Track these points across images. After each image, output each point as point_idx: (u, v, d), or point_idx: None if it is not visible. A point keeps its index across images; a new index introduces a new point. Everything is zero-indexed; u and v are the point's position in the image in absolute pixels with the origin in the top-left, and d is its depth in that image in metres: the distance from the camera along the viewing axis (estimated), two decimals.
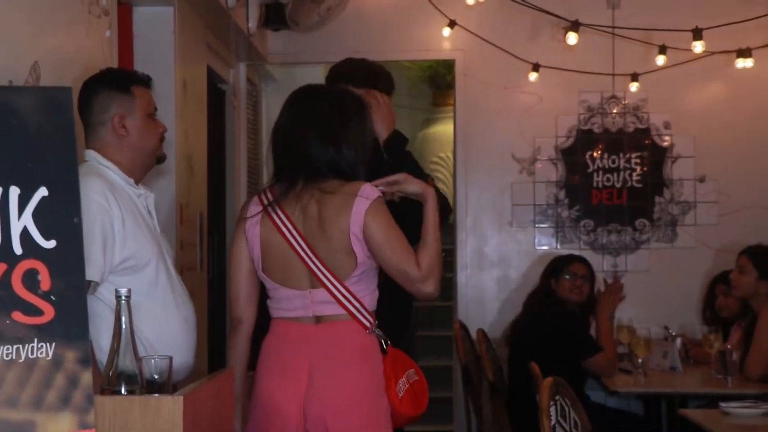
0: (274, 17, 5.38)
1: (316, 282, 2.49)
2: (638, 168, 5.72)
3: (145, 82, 2.71)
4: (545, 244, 5.74)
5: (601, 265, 5.64)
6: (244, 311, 2.61)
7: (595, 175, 5.73)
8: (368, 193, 2.49)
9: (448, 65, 6.87)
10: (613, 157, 5.73)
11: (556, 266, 4.85)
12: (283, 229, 2.50)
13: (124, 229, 2.53)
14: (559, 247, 5.71)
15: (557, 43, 5.53)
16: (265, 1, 5.32)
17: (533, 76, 5.56)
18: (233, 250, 2.60)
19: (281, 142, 2.58)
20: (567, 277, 4.73)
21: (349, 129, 2.56)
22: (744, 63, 5.11)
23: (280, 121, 2.62)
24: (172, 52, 4.08)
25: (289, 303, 2.53)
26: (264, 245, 2.53)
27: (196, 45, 4.54)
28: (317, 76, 7.41)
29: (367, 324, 2.51)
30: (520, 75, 5.64)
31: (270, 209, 2.52)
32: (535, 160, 5.77)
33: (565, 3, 5.43)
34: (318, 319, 2.51)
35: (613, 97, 5.74)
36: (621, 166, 5.71)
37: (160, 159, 2.73)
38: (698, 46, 4.95)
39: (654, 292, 5.62)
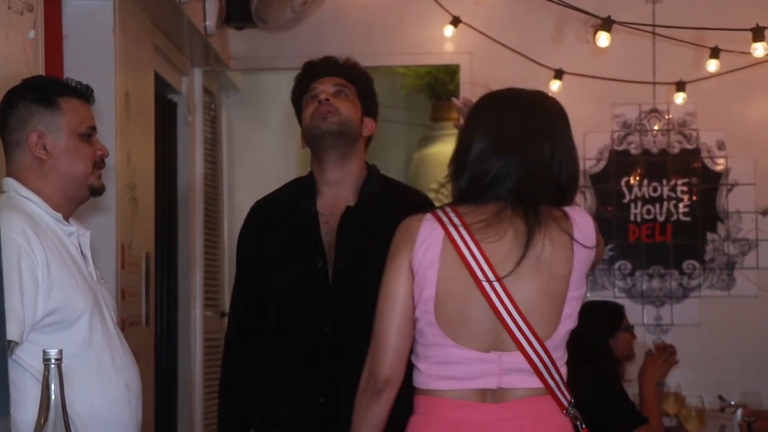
0: (238, 13, 5.37)
1: (508, 341, 2.29)
2: (686, 198, 5.70)
3: (81, 93, 2.68)
4: None
5: (641, 317, 5.61)
6: (392, 370, 2.35)
7: (632, 206, 5.72)
8: (580, 212, 2.37)
9: (451, 71, 6.85)
10: (655, 184, 5.72)
11: (613, 318, 4.78)
12: (473, 265, 2.29)
13: (49, 275, 2.50)
14: (588, 294, 5.66)
15: (585, 45, 5.52)
16: None
17: (556, 86, 5.55)
18: (388, 283, 2.36)
19: (472, 148, 2.40)
20: (626, 331, 4.70)
21: (564, 139, 2.41)
22: None
23: (471, 125, 2.46)
24: (112, 56, 4.07)
25: (463, 369, 2.31)
26: (442, 284, 2.31)
27: (141, 47, 4.52)
28: (290, 84, 7.41)
29: (565, 402, 2.34)
30: (540, 84, 5.58)
31: (455, 233, 2.32)
32: None
33: None
34: (500, 396, 2.31)
35: (654, 110, 5.74)
36: (664, 196, 5.70)
37: (96, 190, 2.69)
38: (759, 49, 4.94)
39: (707, 351, 5.58)
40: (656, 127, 5.75)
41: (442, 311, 2.32)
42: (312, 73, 3.11)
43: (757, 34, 4.90)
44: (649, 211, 5.72)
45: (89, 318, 2.55)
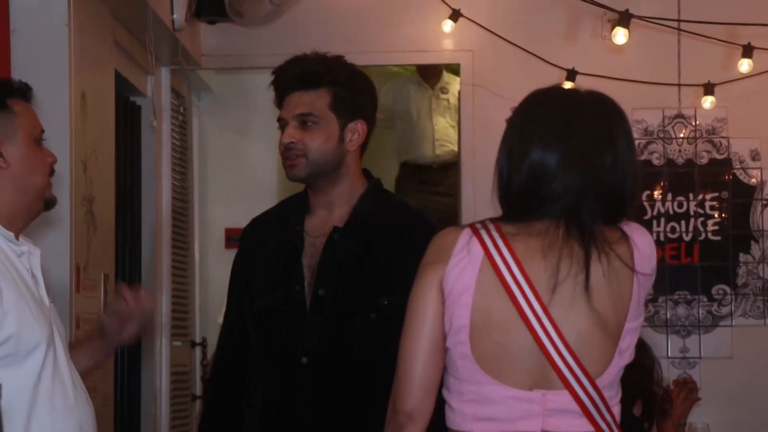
0: (210, 6, 5.39)
1: (554, 379, 2.25)
2: (715, 214, 5.71)
3: (23, 93, 2.68)
4: None
5: (666, 348, 5.60)
6: (420, 403, 2.30)
7: (655, 223, 5.73)
8: (639, 233, 2.31)
9: (452, 71, 6.86)
10: (680, 198, 5.73)
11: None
12: (515, 289, 2.24)
13: (1, 303, 2.50)
14: None
15: (602, 42, 5.54)
16: None
17: (568, 87, 5.55)
18: (415, 303, 2.31)
19: (529, 156, 2.33)
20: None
21: (625, 144, 2.37)
22: None
23: (527, 128, 2.39)
24: (66, 54, 4.05)
25: (502, 409, 2.27)
26: (477, 309, 2.26)
27: (99, 43, 4.52)
28: (269, 85, 7.41)
29: None
30: (550, 85, 5.62)
31: (495, 254, 2.28)
32: None
33: None
34: None
35: (680, 116, 5.76)
36: (691, 212, 5.71)
37: (49, 203, 2.70)
38: None
39: (739, 387, 5.58)
40: (682, 135, 5.76)
41: (478, 343, 2.27)
42: (280, 86, 3.12)
43: None
44: (674, 230, 5.72)
45: (45, 350, 2.55)
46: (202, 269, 6.78)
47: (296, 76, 3.06)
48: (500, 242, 2.27)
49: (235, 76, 6.81)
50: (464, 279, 2.27)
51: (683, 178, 5.74)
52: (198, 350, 6.29)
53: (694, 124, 5.75)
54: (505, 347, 2.26)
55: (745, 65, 5.28)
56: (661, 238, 5.71)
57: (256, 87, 7.16)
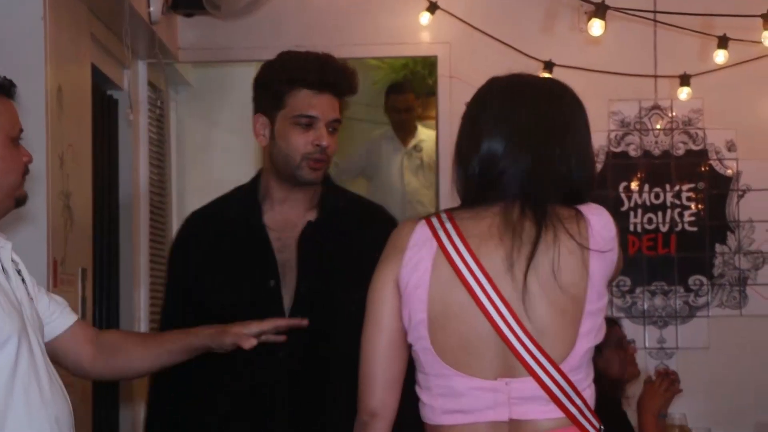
0: None
1: (517, 367, 2.23)
2: (692, 205, 5.72)
3: (6, 89, 2.66)
4: None
5: (643, 339, 5.62)
6: (381, 401, 2.32)
7: (631, 214, 5.75)
8: (597, 214, 2.30)
9: (431, 64, 6.85)
10: (657, 189, 5.75)
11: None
12: (470, 279, 2.23)
13: None
14: None
15: (578, 34, 5.54)
16: None
17: (523, 74, 5.54)
18: (373, 300, 2.32)
19: (480, 146, 2.33)
20: (616, 348, 4.70)
21: (580, 133, 2.37)
22: None
23: (476, 117, 2.38)
24: (42, 47, 4.02)
25: (469, 400, 2.26)
26: (433, 302, 2.26)
27: (75, 37, 4.50)
28: (248, 79, 7.39)
29: (592, 430, 2.28)
30: None
31: (449, 245, 2.27)
32: None
33: None
34: (515, 428, 2.26)
35: (656, 107, 5.77)
36: (668, 203, 5.73)
37: (20, 201, 2.68)
38: None
39: (716, 377, 5.60)
40: (658, 126, 5.78)
41: (438, 336, 2.27)
42: (309, 80, 2.98)
43: None
44: (650, 221, 5.74)
45: (17, 344, 2.53)
46: None
47: (334, 80, 3.00)
48: (452, 232, 2.27)
49: (212, 70, 6.80)
50: (419, 272, 2.27)
51: (660, 169, 5.75)
52: None
53: (670, 115, 5.76)
54: (465, 338, 2.25)
55: (720, 56, 5.29)
56: (638, 229, 5.72)
57: (234, 80, 7.15)
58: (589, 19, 5.14)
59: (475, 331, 2.25)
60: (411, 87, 7.35)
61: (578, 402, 2.26)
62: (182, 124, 6.81)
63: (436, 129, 5.97)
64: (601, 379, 4.73)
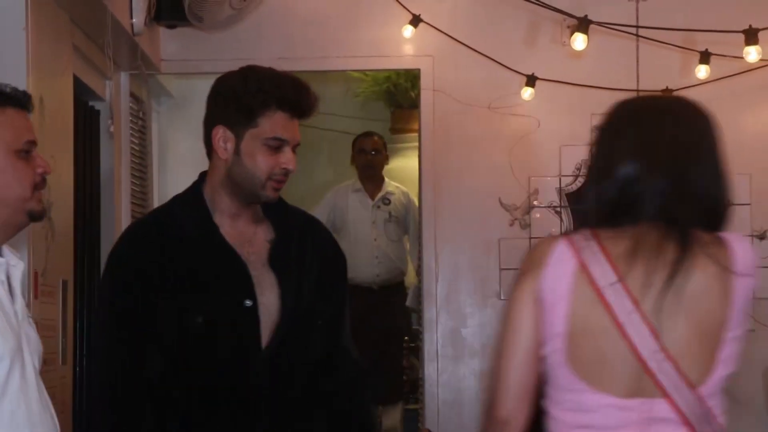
0: (169, 10, 5.38)
1: (650, 388, 2.23)
2: None
3: (18, 101, 2.61)
4: None
5: None
6: (513, 411, 2.31)
7: None
8: (739, 239, 2.30)
9: (413, 77, 6.86)
10: None
11: None
12: (611, 297, 2.24)
13: None
14: None
15: (561, 48, 5.55)
16: None
17: (528, 93, 5.57)
18: (512, 311, 2.32)
19: (614, 170, 2.32)
20: None
21: (714, 151, 2.36)
22: None
23: (609, 141, 2.38)
24: (23, 57, 4.00)
25: (599, 417, 2.26)
26: (573, 317, 2.26)
27: (58, 47, 4.48)
28: None
29: None
30: (511, 91, 5.65)
31: (591, 262, 2.27)
32: (531, 208, 5.77)
33: None
34: None
35: None
36: None
37: (36, 216, 2.62)
38: (752, 53, 5.00)
39: None
40: None
41: (574, 351, 2.27)
42: (287, 104, 2.90)
43: (750, 37, 4.96)
44: None
45: (9, 364, 2.50)
46: None
47: (306, 107, 2.93)
48: (595, 249, 2.26)
49: (195, 81, 6.78)
50: (559, 287, 2.27)
51: None
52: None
53: None
54: (602, 355, 2.25)
55: (702, 71, 5.31)
56: None
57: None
58: (572, 33, 5.16)
59: (613, 349, 2.24)
60: (379, 135, 7.32)
61: (714, 428, 2.25)
62: (164, 136, 6.80)
63: (419, 141, 5.96)
64: None
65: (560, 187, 5.79)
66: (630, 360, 2.23)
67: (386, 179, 7.22)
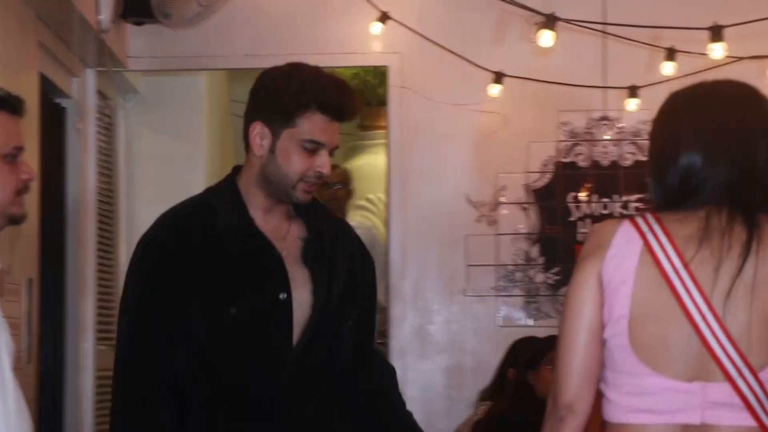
0: (136, 7, 5.36)
1: (714, 371, 2.23)
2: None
3: (10, 105, 2.59)
4: (513, 319, 5.74)
5: None
6: (578, 394, 2.31)
7: (580, 224, 5.77)
8: None
9: (381, 74, 6.85)
10: (605, 200, 5.78)
11: (534, 353, 4.87)
12: (675, 280, 2.23)
13: None
14: (531, 323, 5.72)
15: (529, 45, 5.54)
16: None
17: (495, 90, 5.58)
18: (574, 295, 2.31)
19: (677, 159, 2.32)
20: (550, 367, 4.74)
21: None
22: None
23: (668, 130, 2.39)
24: None
25: (661, 401, 2.25)
26: (637, 300, 2.26)
27: (23, 45, 4.47)
28: (197, 88, 7.37)
29: None
30: (478, 88, 5.65)
31: (656, 245, 2.26)
32: (497, 205, 5.78)
33: None
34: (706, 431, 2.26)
35: (605, 118, 5.80)
36: (616, 213, 5.75)
37: (16, 219, 2.60)
38: (717, 50, 5.03)
39: None
40: (607, 137, 5.80)
41: (637, 334, 2.26)
42: (328, 107, 2.82)
43: (715, 34, 4.99)
44: None
45: None
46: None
47: (348, 111, 2.87)
48: (659, 232, 2.25)
49: (162, 78, 6.76)
50: (623, 270, 2.26)
51: (608, 179, 5.79)
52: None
53: (618, 126, 5.80)
54: (665, 338, 2.25)
55: (668, 68, 5.33)
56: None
57: (184, 89, 7.12)
58: (539, 30, 5.17)
59: (676, 332, 2.24)
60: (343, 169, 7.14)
61: None
62: (131, 132, 6.77)
63: (387, 139, 5.97)
64: (528, 399, 4.80)
65: (527, 184, 5.81)
66: (693, 344, 2.23)
67: (349, 211, 7.03)
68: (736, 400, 2.22)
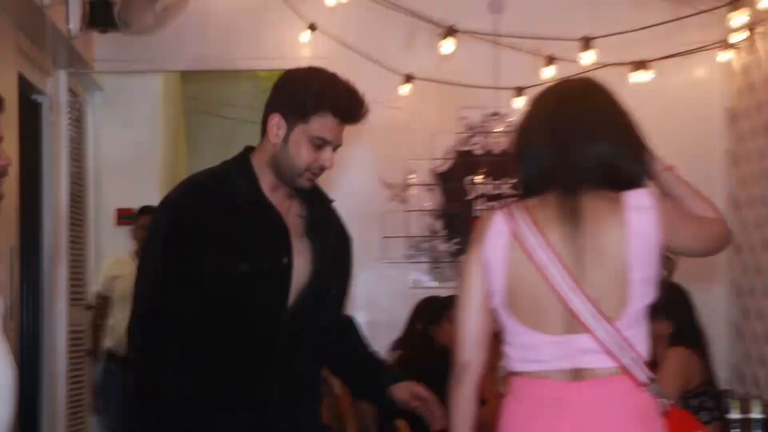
0: (101, 17, 5.32)
1: (576, 325, 2.31)
2: None
3: None
4: (420, 282, 5.80)
5: None
6: (471, 354, 2.42)
7: (475, 202, 5.84)
8: (639, 199, 2.32)
9: None
10: (497, 182, 5.85)
11: (437, 310, 4.90)
12: (541, 256, 2.32)
13: None
14: (436, 285, 5.77)
15: (434, 52, 5.59)
16: None
17: (406, 89, 5.61)
18: (463, 278, 2.44)
19: (538, 141, 2.40)
20: (451, 322, 4.78)
21: (612, 122, 2.40)
22: (640, 76, 5.27)
23: (521, 125, 2.45)
24: None
25: (538, 353, 2.35)
26: (511, 275, 2.37)
27: (3, 49, 4.44)
28: (155, 86, 7.34)
29: (644, 378, 2.32)
30: (391, 88, 5.67)
31: (522, 230, 2.34)
32: (408, 186, 5.83)
33: (442, 6, 5.51)
34: (577, 375, 2.33)
35: (497, 114, 5.87)
36: (505, 193, 5.80)
37: None
38: (587, 57, 5.10)
39: None
40: (498, 129, 5.87)
41: (514, 302, 2.36)
42: (340, 110, 2.77)
43: (585, 44, 5.06)
44: (491, 208, 5.83)
45: None
46: (97, 242, 6.70)
47: (356, 116, 2.81)
48: (524, 216, 2.34)
49: (125, 78, 6.74)
50: (497, 252, 2.36)
51: (499, 165, 5.82)
52: (90, 313, 6.20)
53: (508, 120, 5.84)
54: (536, 302, 2.34)
55: (548, 72, 5.39)
56: (481, 215, 5.82)
57: (143, 87, 7.10)
58: (442, 39, 5.21)
59: (543, 296, 2.33)
60: None
61: (632, 355, 2.30)
62: (98, 124, 6.75)
63: None
64: (430, 349, 4.83)
65: (433, 169, 5.86)
66: (557, 304, 2.32)
67: None
68: (597, 347, 2.30)
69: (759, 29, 5.30)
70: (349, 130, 2.71)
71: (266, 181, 2.80)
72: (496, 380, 4.76)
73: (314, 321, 2.85)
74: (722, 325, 5.70)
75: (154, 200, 8.05)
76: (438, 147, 5.86)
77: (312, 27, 5.61)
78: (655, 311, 2.41)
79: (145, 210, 6.48)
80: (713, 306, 5.54)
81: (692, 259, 2.76)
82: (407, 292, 5.70)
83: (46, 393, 5.26)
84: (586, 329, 2.30)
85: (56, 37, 4.96)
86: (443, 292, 5.26)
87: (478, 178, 5.85)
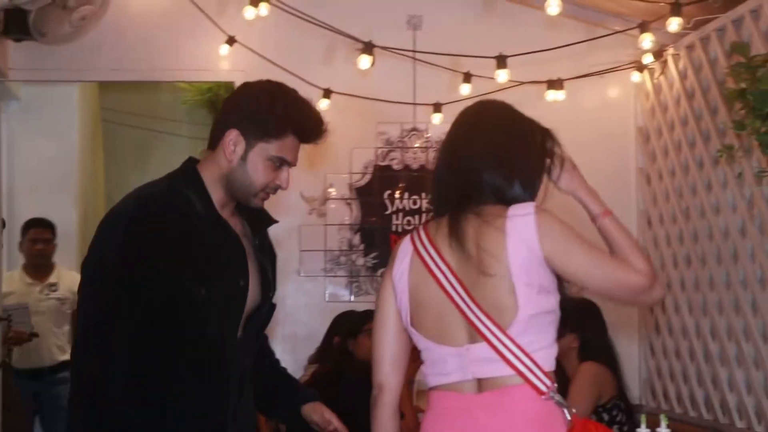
0: (16, 25, 5.24)
1: (475, 335, 2.36)
2: None
3: None
4: (338, 296, 5.80)
5: None
6: (387, 376, 2.51)
7: (394, 217, 5.84)
8: (520, 209, 2.38)
9: (230, 88, 6.86)
10: (415, 197, 5.86)
11: (354, 324, 4.91)
12: (437, 271, 2.41)
13: None
14: (353, 299, 5.77)
15: (353, 67, 5.59)
16: (4, 6, 5.15)
17: (324, 104, 5.60)
18: (378, 301, 2.53)
19: (442, 166, 2.52)
20: (368, 336, 4.78)
21: (529, 162, 2.47)
22: (554, 95, 5.34)
23: (447, 139, 2.56)
24: None
25: (444, 365, 2.41)
26: (413, 293, 2.46)
27: None
28: (71, 96, 7.24)
29: (543, 387, 2.34)
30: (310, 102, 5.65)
31: (422, 249, 2.44)
32: (326, 200, 5.82)
33: (361, 22, 5.54)
34: (480, 385, 2.38)
35: (415, 129, 5.89)
36: (423, 208, 5.82)
37: None
38: (502, 75, 5.15)
39: None
40: (416, 145, 5.90)
41: (419, 318, 2.45)
42: (304, 133, 2.69)
43: (500, 62, 5.12)
44: (409, 222, 5.85)
45: None
46: (11, 252, 6.56)
47: (317, 138, 2.72)
48: (424, 238, 2.45)
49: (40, 88, 6.64)
50: (402, 273, 2.47)
51: (417, 180, 5.85)
52: (2, 325, 6.07)
53: (426, 136, 5.89)
54: (439, 317, 2.42)
55: (466, 89, 5.43)
56: (399, 229, 5.83)
57: (60, 97, 7.01)
58: (360, 55, 5.22)
59: (443, 310, 2.41)
60: (51, 223, 6.40)
61: (527, 362, 2.34)
62: (13, 134, 6.64)
63: None
64: (348, 361, 4.83)
65: (351, 183, 5.87)
66: (458, 316, 2.38)
67: (57, 265, 6.46)
68: (494, 355, 2.35)
69: (669, 50, 5.41)
70: None
71: (215, 197, 2.69)
72: (411, 395, 4.80)
73: (256, 343, 2.84)
74: (634, 339, 5.78)
75: (70, 211, 7.94)
76: (356, 161, 5.86)
77: (231, 41, 5.58)
78: (562, 324, 2.45)
79: (32, 223, 6.29)
80: (624, 321, 5.62)
81: None
82: (325, 306, 5.72)
83: None
84: (482, 337, 2.36)
85: None
86: (361, 306, 5.27)
87: (397, 193, 5.86)
